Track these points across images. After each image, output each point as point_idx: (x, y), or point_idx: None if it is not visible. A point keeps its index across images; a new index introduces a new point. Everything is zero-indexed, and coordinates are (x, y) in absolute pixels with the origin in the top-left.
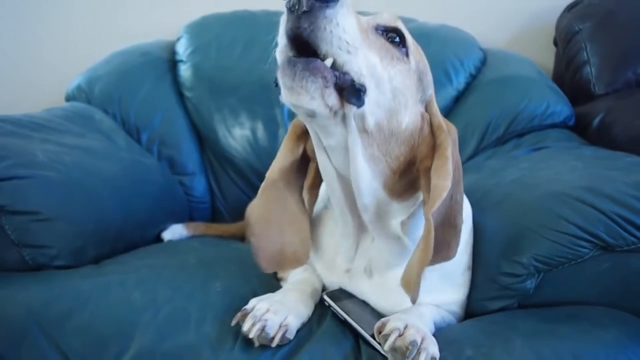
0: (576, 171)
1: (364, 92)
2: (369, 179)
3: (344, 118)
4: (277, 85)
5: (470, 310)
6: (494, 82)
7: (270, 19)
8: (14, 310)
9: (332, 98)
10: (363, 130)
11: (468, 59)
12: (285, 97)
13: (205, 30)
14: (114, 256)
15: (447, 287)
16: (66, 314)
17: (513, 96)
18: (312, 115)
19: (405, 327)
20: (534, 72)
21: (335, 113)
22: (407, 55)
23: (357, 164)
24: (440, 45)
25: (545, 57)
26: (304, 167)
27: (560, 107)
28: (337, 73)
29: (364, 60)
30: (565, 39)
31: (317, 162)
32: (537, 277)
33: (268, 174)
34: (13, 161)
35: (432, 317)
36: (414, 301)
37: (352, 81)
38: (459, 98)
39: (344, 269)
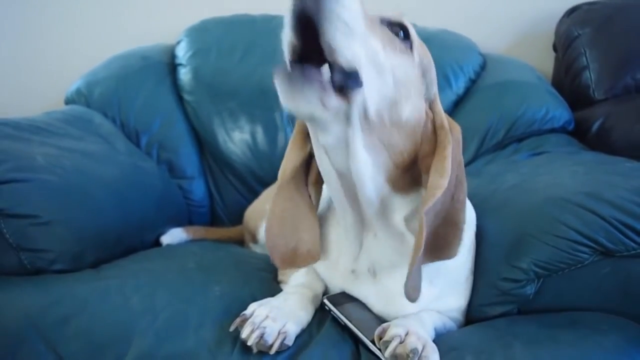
0: (576, 176)
1: (357, 75)
2: (371, 172)
3: (346, 114)
4: None
5: (470, 316)
6: (494, 86)
7: (270, 23)
8: (12, 314)
9: (332, 100)
10: (364, 118)
11: (468, 64)
12: (283, 102)
13: (205, 34)
14: (113, 260)
15: (453, 293)
16: (64, 319)
17: (512, 101)
18: (311, 118)
19: (407, 334)
20: (534, 77)
21: (337, 113)
22: (411, 48)
23: (357, 155)
24: (440, 50)
25: (544, 62)
26: (309, 164)
27: (559, 112)
28: (333, 76)
29: (363, 45)
30: (564, 44)
31: None
32: (537, 282)
33: (281, 174)
34: (12, 164)
35: (433, 324)
36: (411, 301)
37: (343, 70)
38: (458, 103)
39: (349, 269)
